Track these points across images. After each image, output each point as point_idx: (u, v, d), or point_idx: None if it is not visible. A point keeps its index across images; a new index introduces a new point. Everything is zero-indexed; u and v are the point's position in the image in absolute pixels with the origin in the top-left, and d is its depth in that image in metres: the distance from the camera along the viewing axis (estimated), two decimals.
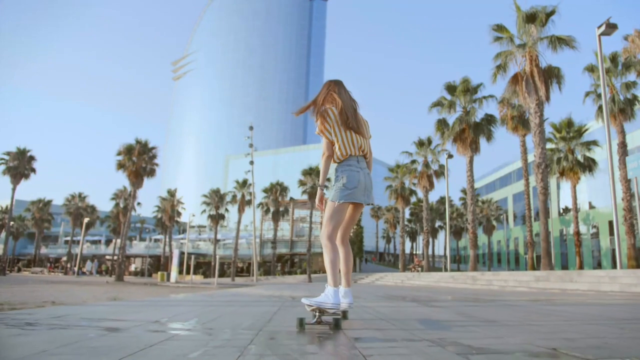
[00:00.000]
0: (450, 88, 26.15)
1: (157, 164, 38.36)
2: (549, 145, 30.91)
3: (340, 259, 3.14)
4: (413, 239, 77.04)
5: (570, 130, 29.08)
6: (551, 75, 17.97)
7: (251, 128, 42.58)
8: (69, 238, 62.97)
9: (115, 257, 70.13)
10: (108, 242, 71.74)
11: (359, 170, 3.06)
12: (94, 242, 77.87)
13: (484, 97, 25.69)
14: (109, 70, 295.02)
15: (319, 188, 3.15)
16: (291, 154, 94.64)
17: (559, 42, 17.80)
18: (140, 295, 13.48)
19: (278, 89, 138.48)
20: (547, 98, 17.75)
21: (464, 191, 62.48)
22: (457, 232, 68.65)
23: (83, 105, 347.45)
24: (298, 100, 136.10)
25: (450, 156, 26.11)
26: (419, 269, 32.59)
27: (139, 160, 37.15)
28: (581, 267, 29.83)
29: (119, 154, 37.14)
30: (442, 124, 26.25)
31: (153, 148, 38.11)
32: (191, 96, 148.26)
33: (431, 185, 33.13)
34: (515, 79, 18.79)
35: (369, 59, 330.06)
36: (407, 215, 64.12)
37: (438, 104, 26.49)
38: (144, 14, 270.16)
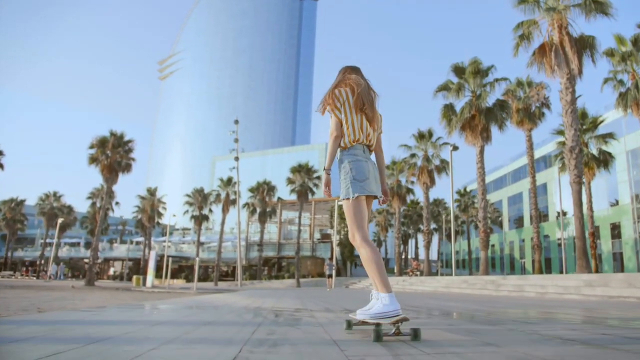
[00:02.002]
0: (458, 70, 23.40)
1: (133, 159, 35.31)
2: (559, 139, 28.52)
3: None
4: (405, 242, 74.49)
5: (585, 122, 26.62)
6: (584, 46, 15.41)
7: (236, 122, 39.79)
8: (47, 241, 59.45)
9: (98, 261, 67.07)
10: (88, 245, 68.30)
11: (367, 160, 2.86)
12: (72, 245, 74.54)
13: (497, 80, 22.94)
14: (92, 69, 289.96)
15: (324, 172, 2.86)
16: (279, 155, 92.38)
17: (594, 5, 15.21)
18: (85, 304, 10.55)
19: (266, 89, 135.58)
20: (580, 71, 15.19)
21: (459, 192, 60.05)
22: (451, 235, 66.18)
23: (65, 105, 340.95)
24: (287, 101, 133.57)
25: (455, 148, 23.44)
26: (417, 273, 29.93)
27: (113, 154, 34.10)
28: (597, 271, 27.36)
29: (91, 147, 34.07)
30: (448, 110, 23.43)
31: (129, 141, 35.10)
32: (178, 96, 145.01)
33: (432, 181, 30.42)
34: (542, 50, 16.19)
35: (360, 58, 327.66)
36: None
37: (444, 87, 23.70)
38: (130, 12, 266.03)
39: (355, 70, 3.07)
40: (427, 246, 31.04)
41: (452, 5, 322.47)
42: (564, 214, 50.60)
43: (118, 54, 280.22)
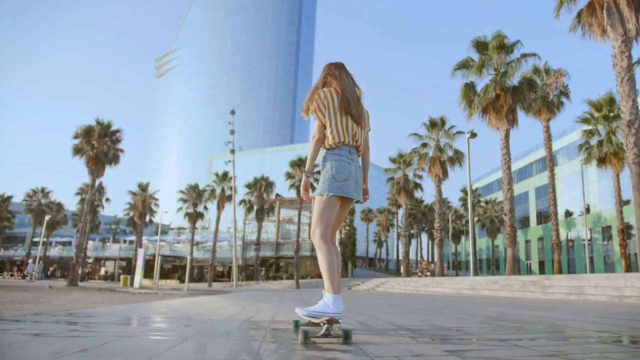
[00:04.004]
0: (480, 45, 20.83)
1: (121, 150, 32.87)
2: (584, 127, 26.21)
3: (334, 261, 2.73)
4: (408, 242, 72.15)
5: (613, 108, 24.28)
6: None
7: (233, 112, 37.59)
8: (37, 239, 57.05)
9: (89, 260, 64.64)
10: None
11: (350, 162, 2.77)
12: (64, 244, 72.13)
13: (524, 56, 20.43)
14: (87, 68, 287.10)
15: (304, 175, 2.81)
16: (278, 154, 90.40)
17: None
18: (36, 308, 8.15)
19: (265, 87, 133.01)
20: (638, 32, 12.87)
21: (464, 191, 57.62)
22: (455, 236, 63.73)
23: (59, 104, 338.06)
24: (286, 99, 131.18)
25: (473, 135, 21.03)
26: (428, 273, 27.55)
27: (99, 145, 31.64)
28: (627, 272, 25.00)
29: (75, 136, 31.57)
30: (469, 90, 20.91)
31: (117, 131, 32.66)
32: (175, 94, 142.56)
33: (445, 173, 27.92)
34: (590, 9, 13.85)
35: (361, 56, 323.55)
36: (401, 216, 59.18)
37: (464, 65, 21.17)
38: (126, 10, 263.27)
39: (339, 67, 2.92)
40: (440, 244, 28.53)
41: (456, 3, 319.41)
42: (570, 214, 48.50)
43: (114, 52, 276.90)
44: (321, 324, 2.51)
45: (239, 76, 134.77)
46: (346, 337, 2.44)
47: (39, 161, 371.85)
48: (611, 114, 24.62)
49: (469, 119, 20.57)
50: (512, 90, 19.63)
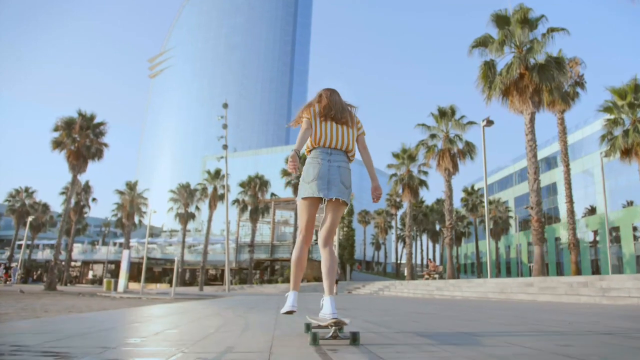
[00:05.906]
0: (501, 19, 18.51)
1: (105, 144, 30.62)
2: (607, 117, 24.23)
3: (321, 264, 2.92)
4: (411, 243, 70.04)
5: (638, 96, 22.32)
6: None
7: (225, 105, 35.59)
8: (23, 242, 54.62)
9: (77, 264, 62.21)
10: (67, 247, 63.45)
11: (324, 161, 2.85)
12: (52, 247, 69.76)
13: (551, 30, 18.22)
14: (79, 70, 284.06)
15: (292, 151, 2.78)
16: (273, 155, 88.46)
17: None
18: None
19: (260, 88, 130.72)
20: None
21: (466, 191, 55.57)
22: (457, 238, 61.63)
23: (50, 105, 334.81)
24: (281, 100, 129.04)
25: (489, 123, 18.94)
26: (436, 275, 25.42)
27: (81, 138, 29.40)
28: None
29: (56, 129, 29.32)
30: (489, 68, 18.68)
31: (101, 124, 30.44)
32: (168, 94, 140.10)
33: (455, 167, 25.73)
34: None
35: (357, 58, 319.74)
36: (400, 218, 57.22)
37: (482, 42, 18.92)
38: (119, 10, 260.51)
39: (331, 89, 3.12)
40: (450, 244, 26.36)
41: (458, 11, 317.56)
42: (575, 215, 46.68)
43: (106, 53, 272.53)
44: (329, 327, 2.51)
45: (233, 76, 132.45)
46: (354, 339, 2.44)
47: (31, 166, 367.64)
48: (636, 102, 22.64)
49: (488, 101, 18.39)
50: (539, 69, 17.47)
